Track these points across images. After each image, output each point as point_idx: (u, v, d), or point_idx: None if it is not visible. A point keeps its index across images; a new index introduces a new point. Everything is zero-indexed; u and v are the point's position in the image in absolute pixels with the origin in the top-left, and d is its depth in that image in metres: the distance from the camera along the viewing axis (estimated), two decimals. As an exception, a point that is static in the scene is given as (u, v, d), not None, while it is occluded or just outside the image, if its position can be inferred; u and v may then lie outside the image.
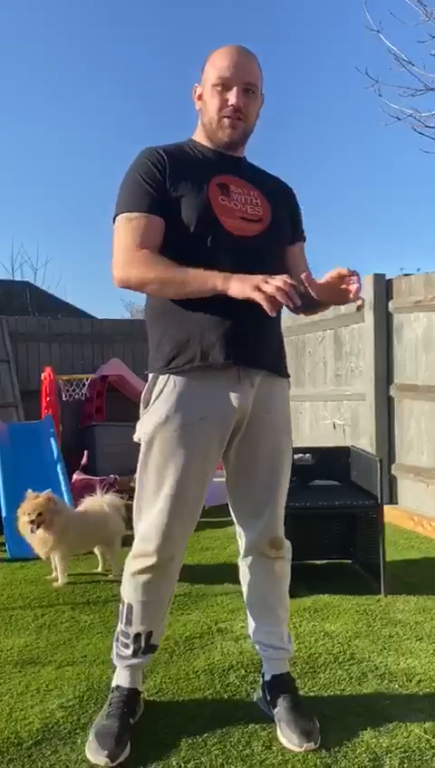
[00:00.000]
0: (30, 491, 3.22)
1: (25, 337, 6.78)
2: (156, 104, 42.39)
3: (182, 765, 1.64)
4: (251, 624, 1.92)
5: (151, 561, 1.73)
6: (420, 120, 6.00)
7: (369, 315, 4.58)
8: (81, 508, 3.43)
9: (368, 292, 4.56)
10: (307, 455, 3.55)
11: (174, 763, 1.65)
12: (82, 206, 41.32)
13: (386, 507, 3.22)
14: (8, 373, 6.38)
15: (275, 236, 1.78)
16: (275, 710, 1.81)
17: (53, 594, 3.02)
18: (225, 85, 1.72)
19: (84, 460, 5.04)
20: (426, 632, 2.46)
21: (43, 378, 5.57)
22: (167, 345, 1.71)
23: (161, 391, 1.70)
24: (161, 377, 1.71)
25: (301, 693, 1.92)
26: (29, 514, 3.10)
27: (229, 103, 1.72)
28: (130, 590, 1.79)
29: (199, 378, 1.68)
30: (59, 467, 4.33)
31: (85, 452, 5.20)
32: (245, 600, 1.92)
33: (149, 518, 1.72)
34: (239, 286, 1.55)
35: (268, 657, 1.88)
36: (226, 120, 1.74)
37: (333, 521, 3.38)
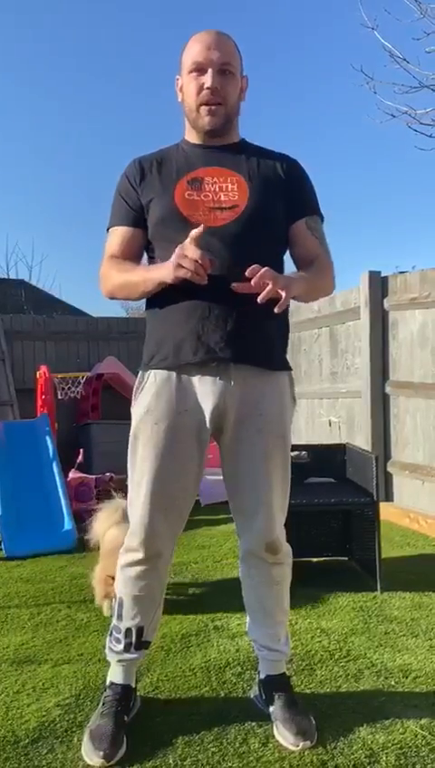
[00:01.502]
0: (104, 573, 2.57)
1: (20, 335, 6.75)
2: (155, 103, 42.30)
3: (179, 763, 1.64)
4: (248, 622, 1.92)
5: (138, 555, 1.75)
6: (415, 117, 6.01)
7: (365, 313, 4.58)
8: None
9: (364, 290, 4.57)
10: (303, 452, 3.55)
11: (170, 761, 1.65)
12: (78, 203, 41.24)
13: (382, 504, 3.23)
14: (3, 371, 6.36)
15: (251, 219, 1.70)
16: (271, 708, 1.81)
17: (50, 593, 3.01)
18: (200, 69, 1.71)
19: (80, 458, 5.03)
20: (422, 629, 2.47)
21: (38, 376, 5.56)
22: (150, 343, 1.77)
23: (145, 384, 1.74)
24: (144, 373, 1.76)
25: (297, 690, 1.92)
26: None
27: (205, 86, 1.70)
28: (120, 584, 1.81)
29: (178, 373, 1.70)
30: (54, 466, 4.33)
31: (81, 450, 5.19)
32: (243, 598, 1.92)
33: (135, 512, 1.74)
34: (166, 272, 1.60)
35: (264, 658, 1.88)
36: (203, 108, 1.72)
37: (329, 518, 3.39)
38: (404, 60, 5.89)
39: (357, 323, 4.71)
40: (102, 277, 1.79)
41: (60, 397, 5.85)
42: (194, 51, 1.71)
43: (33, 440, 4.55)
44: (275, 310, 1.57)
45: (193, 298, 1.66)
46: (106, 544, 2.53)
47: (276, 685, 1.85)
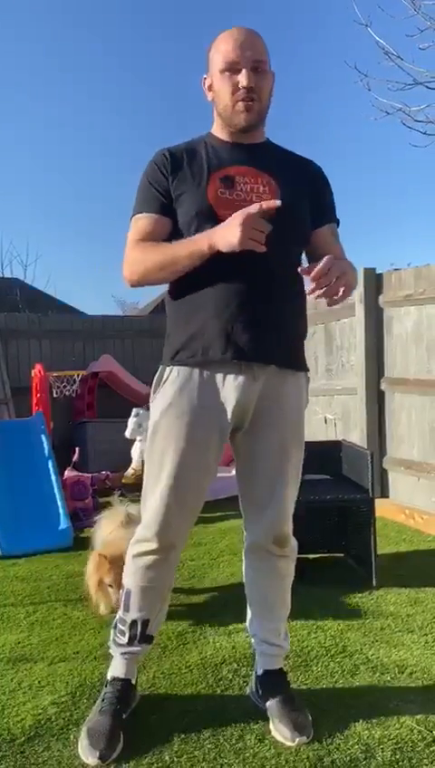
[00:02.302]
0: (96, 552, 2.54)
1: (16, 334, 6.74)
2: (153, 102, 42.19)
3: (175, 759, 1.64)
4: (249, 616, 1.92)
5: (152, 546, 1.76)
6: (410, 114, 6.01)
7: (359, 310, 4.58)
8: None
9: (359, 287, 4.57)
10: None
11: (167, 758, 1.65)
12: (73, 202, 41.14)
13: (378, 500, 3.23)
14: (-2, 370, 6.36)
15: (281, 219, 1.67)
16: (268, 704, 1.82)
17: (46, 591, 3.01)
18: (233, 68, 1.70)
19: (76, 457, 5.02)
20: (417, 624, 2.47)
21: (33, 374, 5.55)
22: (174, 339, 1.75)
23: (166, 379, 1.74)
24: (168, 368, 1.75)
25: (293, 686, 1.93)
26: (108, 578, 2.43)
27: (241, 85, 1.69)
28: (130, 575, 1.82)
29: (202, 369, 1.70)
30: (50, 464, 4.32)
31: (77, 449, 5.18)
32: (246, 592, 1.92)
33: (151, 504, 1.75)
34: (224, 241, 1.56)
35: (262, 652, 1.89)
36: (240, 104, 1.71)
37: (324, 515, 3.39)
38: (398, 57, 5.88)
39: (352, 320, 4.71)
40: (132, 262, 1.74)
41: (55, 395, 5.84)
42: (226, 49, 1.70)
43: (28, 439, 4.53)
44: (328, 303, 1.60)
45: (223, 292, 1.66)
46: (108, 551, 2.50)
47: (274, 680, 1.86)
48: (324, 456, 3.49)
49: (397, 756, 1.63)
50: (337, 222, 1.87)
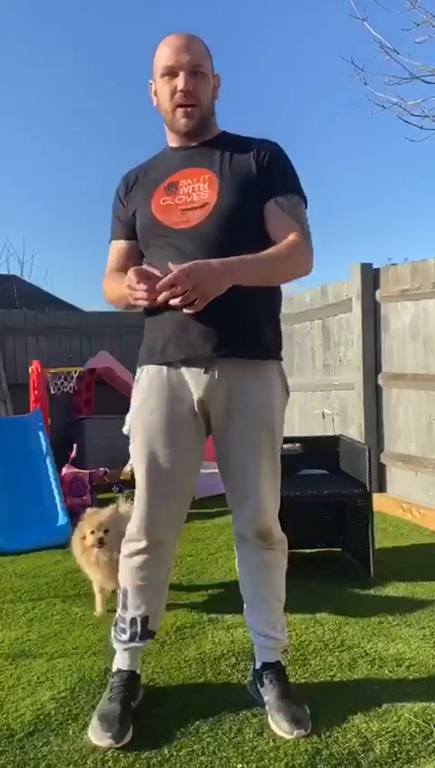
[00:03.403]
0: (90, 509, 2.69)
1: (12, 330, 6.72)
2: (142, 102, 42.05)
3: (175, 753, 1.65)
4: (245, 608, 1.94)
5: (141, 544, 1.79)
6: (406, 108, 6.01)
7: (356, 305, 4.58)
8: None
9: (355, 282, 4.57)
10: (296, 444, 3.55)
11: (166, 751, 1.65)
12: (69, 199, 41.01)
13: (375, 495, 3.24)
14: (-4, 367, 6.35)
15: (223, 215, 1.69)
16: (266, 697, 1.82)
17: (44, 587, 3.02)
18: (171, 72, 1.72)
19: (73, 453, 5.02)
20: (415, 618, 2.48)
21: (30, 371, 5.54)
22: (144, 342, 1.83)
23: (139, 378, 1.81)
24: (139, 369, 1.83)
25: (292, 680, 1.93)
26: (94, 532, 2.49)
27: (178, 89, 1.72)
28: (124, 574, 1.85)
29: (169, 367, 1.74)
30: (48, 461, 4.32)
31: (74, 445, 5.18)
32: (239, 584, 1.94)
33: (138, 503, 1.80)
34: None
35: (260, 645, 1.90)
36: (179, 110, 1.75)
37: (322, 509, 3.40)
38: (394, 51, 5.88)
39: (349, 316, 4.71)
40: (104, 291, 1.89)
41: (53, 392, 5.83)
42: (164, 54, 1.74)
43: (26, 436, 4.53)
44: (187, 311, 1.59)
45: None
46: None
47: (271, 673, 1.86)
48: (322, 451, 3.49)
49: (395, 749, 1.64)
50: (300, 195, 1.78)
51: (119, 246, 1.90)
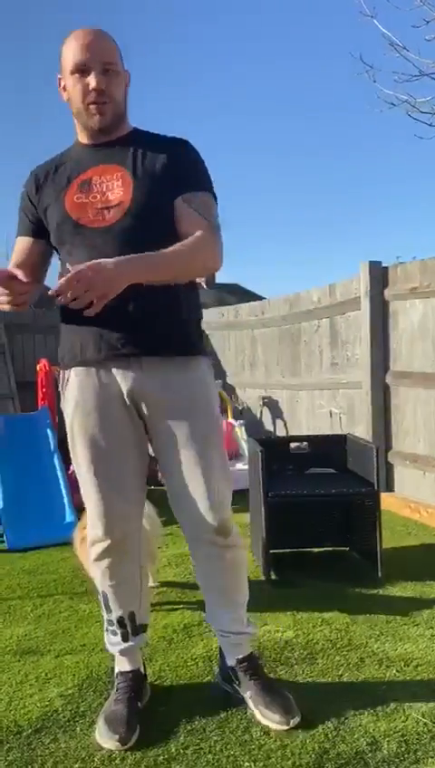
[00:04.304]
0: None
1: (21, 328, 6.75)
2: (155, 102, 42.08)
3: (181, 751, 1.65)
4: (207, 611, 1.91)
5: (105, 544, 1.78)
6: (415, 105, 5.98)
7: (365, 303, 4.57)
8: None
9: (364, 280, 4.55)
10: (304, 443, 3.55)
11: (173, 749, 1.66)
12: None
13: (383, 494, 3.23)
14: (4, 365, 6.37)
15: (138, 214, 1.69)
16: (248, 693, 1.82)
17: (52, 584, 3.03)
18: (83, 70, 1.69)
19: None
20: (423, 618, 2.48)
21: (38, 369, 5.55)
22: (62, 344, 1.83)
23: (68, 383, 1.80)
24: (63, 372, 1.83)
25: (299, 679, 1.94)
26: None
27: (91, 87, 1.69)
28: (99, 578, 1.85)
29: (96, 368, 1.73)
30: (56, 458, 4.33)
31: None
32: (200, 587, 1.91)
33: (90, 505, 1.79)
34: None
35: (230, 643, 1.88)
36: (92, 107, 1.72)
37: (330, 508, 3.39)
38: (404, 48, 5.85)
39: (357, 314, 4.69)
40: None
41: (60, 389, 5.84)
42: (74, 51, 1.69)
43: (34, 433, 4.55)
44: (87, 312, 1.51)
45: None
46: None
47: (249, 667, 1.85)
48: (329, 450, 3.48)
49: (402, 749, 1.64)
50: (209, 192, 1.77)
51: (24, 243, 1.87)
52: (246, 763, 1.59)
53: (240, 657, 1.87)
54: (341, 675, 2.04)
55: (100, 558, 1.81)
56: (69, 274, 1.48)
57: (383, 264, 4.55)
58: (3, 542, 3.74)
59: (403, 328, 4.35)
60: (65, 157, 1.84)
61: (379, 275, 4.51)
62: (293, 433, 5.59)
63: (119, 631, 1.84)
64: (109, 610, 1.85)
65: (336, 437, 3.60)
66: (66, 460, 4.48)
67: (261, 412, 6.11)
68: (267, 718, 1.74)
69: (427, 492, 4.15)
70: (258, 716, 1.77)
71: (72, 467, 4.74)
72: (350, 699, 1.88)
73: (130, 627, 1.83)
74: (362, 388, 4.64)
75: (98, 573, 1.83)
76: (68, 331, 1.79)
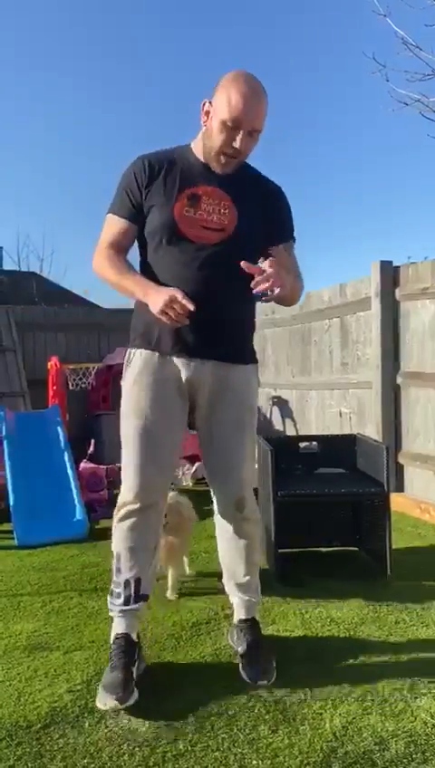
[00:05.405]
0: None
1: (32, 327, 6.80)
2: (157, 102, 42.12)
3: (189, 748, 1.65)
4: (225, 576, 2.17)
5: (134, 506, 1.95)
6: (428, 105, 5.95)
7: (375, 303, 4.55)
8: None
9: (375, 280, 4.54)
10: (313, 443, 3.54)
11: (181, 746, 1.66)
12: (87, 196, 41.21)
13: (393, 495, 3.22)
14: (15, 362, 6.40)
15: (237, 243, 1.90)
16: (239, 648, 2.07)
17: (61, 581, 3.04)
18: (234, 127, 1.83)
19: (91, 449, 5.05)
20: (433, 619, 2.47)
21: (49, 367, 5.58)
22: (137, 323, 2.01)
23: (132, 360, 1.99)
24: (131, 350, 2.01)
25: (307, 678, 1.93)
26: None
27: (234, 145, 1.85)
28: (117, 539, 2.00)
29: (160, 354, 1.95)
30: (66, 456, 4.35)
31: (92, 440, 5.21)
32: (220, 554, 2.18)
33: (129, 470, 1.96)
34: (151, 302, 1.81)
35: (238, 605, 2.15)
36: (224, 158, 1.89)
37: (339, 508, 3.39)
38: (417, 47, 5.83)
39: (368, 314, 4.68)
40: (97, 264, 1.98)
41: (71, 387, 5.87)
42: (234, 106, 1.81)
43: (44, 431, 4.57)
44: (261, 298, 1.79)
45: None
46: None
47: (246, 627, 2.11)
48: (339, 450, 3.48)
49: (410, 749, 1.63)
50: (294, 239, 2.09)
51: (122, 225, 1.97)
52: (254, 761, 1.60)
53: (243, 617, 2.13)
54: (349, 674, 2.04)
55: (124, 518, 1.97)
56: (269, 261, 1.75)
57: (395, 264, 4.53)
58: (13, 538, 3.76)
59: (414, 328, 4.33)
60: (178, 155, 1.97)
61: (390, 275, 4.50)
62: (302, 432, 5.59)
63: (123, 594, 1.97)
64: (119, 572, 1.99)
65: (346, 437, 3.59)
66: (76, 458, 4.52)
67: (271, 411, 6.11)
68: (245, 672, 1.98)
69: (437, 493, 4.13)
70: (240, 669, 2.00)
71: (81, 464, 4.78)
72: (358, 699, 1.88)
73: (134, 592, 1.97)
74: (373, 388, 4.63)
75: (118, 533, 1.98)
76: (145, 317, 1.93)
